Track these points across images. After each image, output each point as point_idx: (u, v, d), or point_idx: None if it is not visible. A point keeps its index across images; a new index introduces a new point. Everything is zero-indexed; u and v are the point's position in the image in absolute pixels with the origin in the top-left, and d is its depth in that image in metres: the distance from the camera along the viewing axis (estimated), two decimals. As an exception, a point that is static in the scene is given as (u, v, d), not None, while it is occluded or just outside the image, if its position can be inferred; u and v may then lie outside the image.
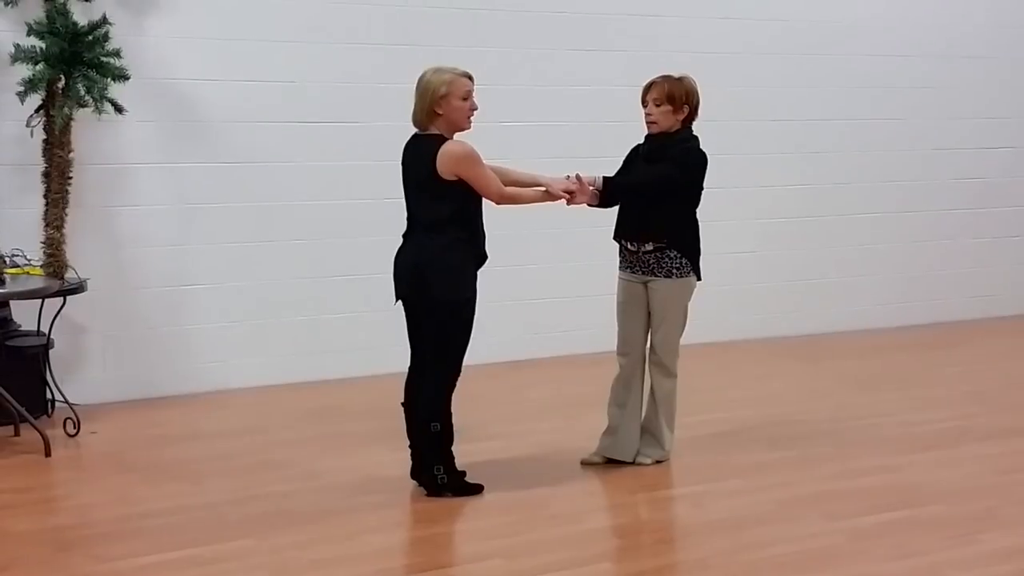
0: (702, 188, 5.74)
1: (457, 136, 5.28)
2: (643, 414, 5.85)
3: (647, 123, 5.69)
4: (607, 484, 5.64)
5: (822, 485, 5.55)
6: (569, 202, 5.57)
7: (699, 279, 5.76)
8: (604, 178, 5.65)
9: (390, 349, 7.60)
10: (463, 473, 5.43)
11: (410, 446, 5.47)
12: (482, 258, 5.34)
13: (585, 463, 5.83)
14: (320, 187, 7.50)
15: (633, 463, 5.78)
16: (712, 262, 8.44)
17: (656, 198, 5.60)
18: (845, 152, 9.08)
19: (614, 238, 5.80)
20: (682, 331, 5.81)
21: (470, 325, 5.30)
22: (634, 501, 5.48)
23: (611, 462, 5.81)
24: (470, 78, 5.26)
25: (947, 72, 9.32)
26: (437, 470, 5.34)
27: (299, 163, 7.44)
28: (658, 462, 5.81)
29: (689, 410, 6.27)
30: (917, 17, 9.18)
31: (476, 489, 5.41)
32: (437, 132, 5.22)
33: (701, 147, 5.70)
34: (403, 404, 5.48)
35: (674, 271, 5.67)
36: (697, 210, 5.75)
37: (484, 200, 5.31)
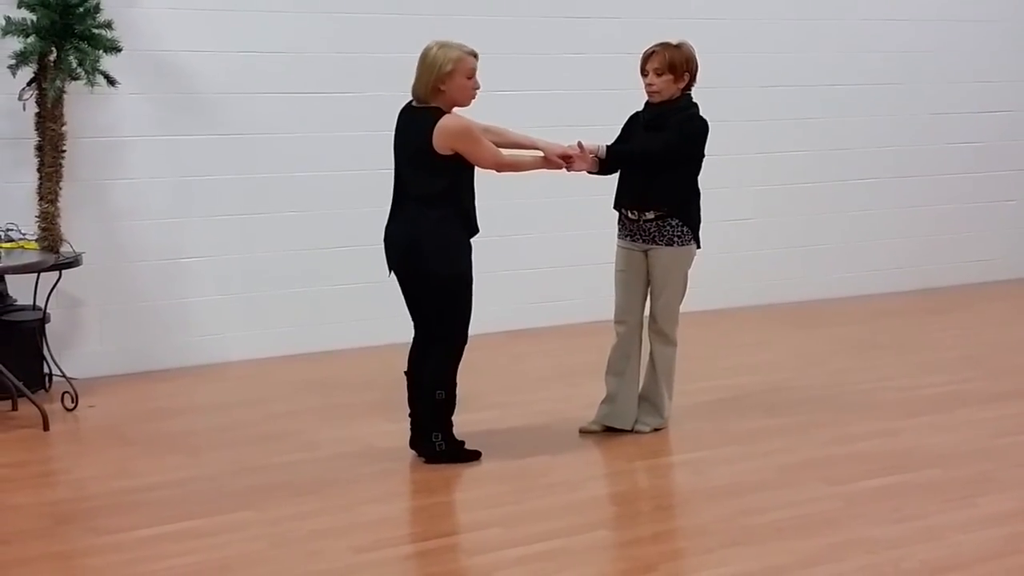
0: (703, 156, 5.72)
1: (455, 111, 5.26)
2: (642, 382, 5.86)
3: (649, 93, 5.65)
4: (606, 452, 5.65)
5: (820, 451, 5.57)
6: (568, 169, 5.56)
7: (699, 247, 5.76)
8: (606, 147, 5.63)
9: (388, 320, 7.59)
10: (462, 442, 5.45)
11: (410, 415, 5.48)
12: (474, 231, 5.33)
13: (584, 431, 5.83)
14: (316, 158, 7.48)
15: (631, 431, 5.79)
16: (709, 229, 8.39)
17: (659, 167, 5.58)
18: (842, 118, 9.06)
19: (615, 207, 5.78)
20: (682, 299, 5.81)
21: (470, 296, 5.31)
22: (633, 468, 5.50)
23: (609, 430, 5.82)
24: (476, 56, 5.22)
25: (944, 36, 9.29)
26: (435, 437, 5.36)
27: (295, 134, 7.41)
28: (656, 430, 5.82)
29: (687, 377, 6.28)
30: (913, -19, 9.15)
31: (474, 455, 5.43)
32: (435, 105, 5.18)
33: (701, 114, 5.68)
34: (406, 372, 5.49)
35: (675, 239, 5.65)
36: (698, 178, 5.73)
37: (480, 170, 5.30)
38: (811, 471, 5.28)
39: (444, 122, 5.13)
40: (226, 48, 7.16)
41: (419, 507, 5.11)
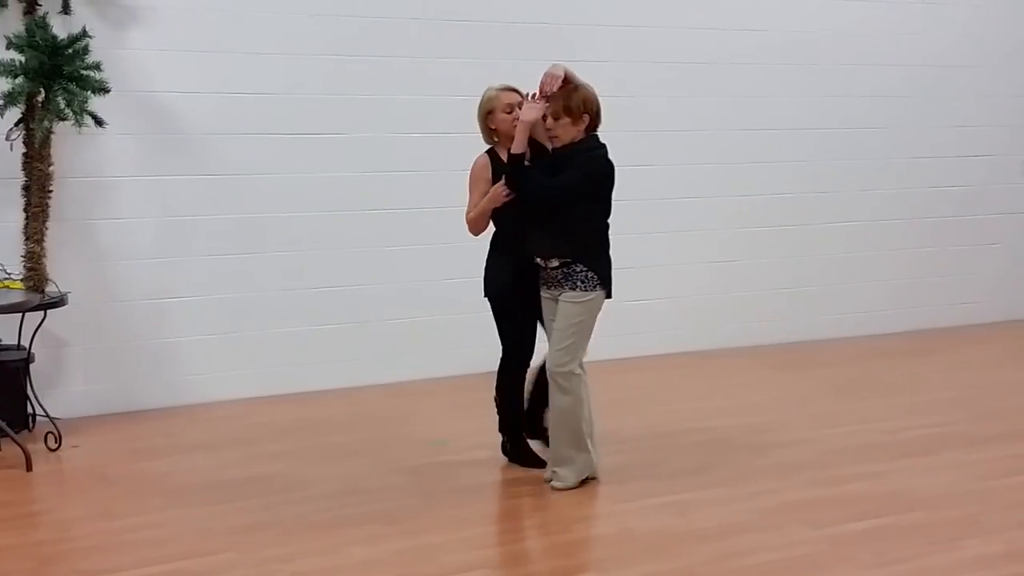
0: (609, 199, 5.55)
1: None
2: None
3: (549, 138, 5.53)
4: (592, 494, 5.64)
5: (805, 493, 5.57)
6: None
7: (609, 296, 5.56)
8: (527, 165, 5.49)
9: (374, 361, 7.62)
10: (527, 444, 5.92)
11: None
12: (518, 262, 5.63)
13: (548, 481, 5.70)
14: (301, 199, 7.49)
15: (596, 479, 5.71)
16: (694, 271, 8.43)
17: (558, 207, 5.42)
18: (826, 161, 9.12)
19: (527, 253, 5.63)
20: (584, 348, 5.55)
21: (507, 315, 5.71)
22: (618, 510, 5.49)
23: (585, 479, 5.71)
24: (513, 90, 5.70)
25: (926, 81, 9.38)
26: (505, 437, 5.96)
27: (281, 175, 7.43)
28: (568, 488, 5.60)
29: (673, 419, 6.28)
30: (896, 27, 9.23)
31: (539, 462, 5.82)
32: (490, 147, 5.73)
33: (608, 156, 5.50)
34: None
35: (579, 285, 5.47)
36: (609, 222, 5.57)
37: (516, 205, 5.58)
38: (796, 513, 5.29)
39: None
40: (213, 89, 7.18)
41: (405, 548, 5.09)
